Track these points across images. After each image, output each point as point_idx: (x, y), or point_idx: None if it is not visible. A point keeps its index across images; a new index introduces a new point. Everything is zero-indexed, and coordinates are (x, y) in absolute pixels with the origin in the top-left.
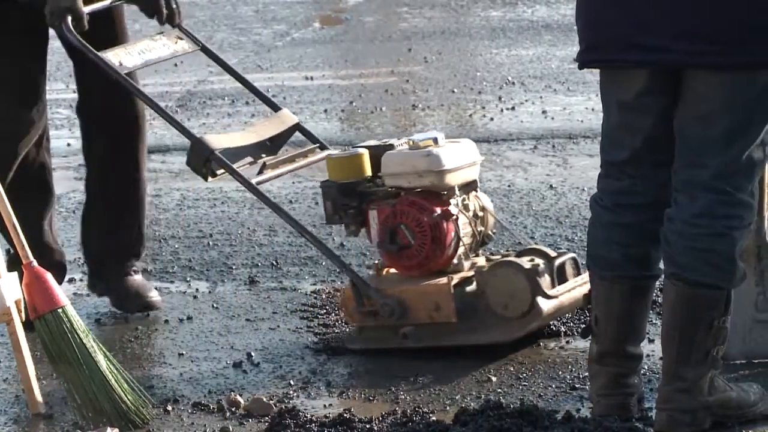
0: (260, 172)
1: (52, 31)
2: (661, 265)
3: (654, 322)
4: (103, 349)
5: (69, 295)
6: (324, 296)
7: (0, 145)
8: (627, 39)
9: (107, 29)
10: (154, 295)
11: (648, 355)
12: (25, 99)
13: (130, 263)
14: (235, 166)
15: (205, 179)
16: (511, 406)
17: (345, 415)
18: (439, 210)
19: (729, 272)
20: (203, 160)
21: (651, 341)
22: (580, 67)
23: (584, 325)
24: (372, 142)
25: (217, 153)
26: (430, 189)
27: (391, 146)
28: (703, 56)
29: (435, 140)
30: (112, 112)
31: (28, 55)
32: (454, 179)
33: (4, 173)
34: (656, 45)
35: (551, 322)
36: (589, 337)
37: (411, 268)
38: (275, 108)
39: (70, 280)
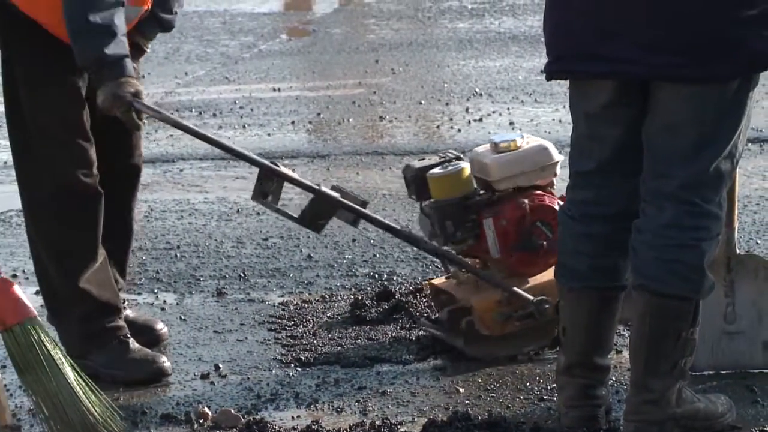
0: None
1: None
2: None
3: (622, 333)
4: (71, 360)
5: (36, 307)
6: (292, 308)
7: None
8: (592, 50)
9: None
10: (161, 327)
11: (616, 367)
12: (89, 139)
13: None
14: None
15: (319, 231)
16: (479, 418)
17: (313, 426)
18: (560, 200)
19: (697, 283)
20: (336, 207)
21: (619, 352)
22: (548, 78)
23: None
24: (423, 162)
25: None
26: (542, 184)
27: (459, 158)
28: (667, 69)
29: (522, 137)
30: (116, 164)
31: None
32: None
33: (95, 223)
34: (621, 56)
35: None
36: (557, 349)
37: (546, 264)
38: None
39: (37, 292)
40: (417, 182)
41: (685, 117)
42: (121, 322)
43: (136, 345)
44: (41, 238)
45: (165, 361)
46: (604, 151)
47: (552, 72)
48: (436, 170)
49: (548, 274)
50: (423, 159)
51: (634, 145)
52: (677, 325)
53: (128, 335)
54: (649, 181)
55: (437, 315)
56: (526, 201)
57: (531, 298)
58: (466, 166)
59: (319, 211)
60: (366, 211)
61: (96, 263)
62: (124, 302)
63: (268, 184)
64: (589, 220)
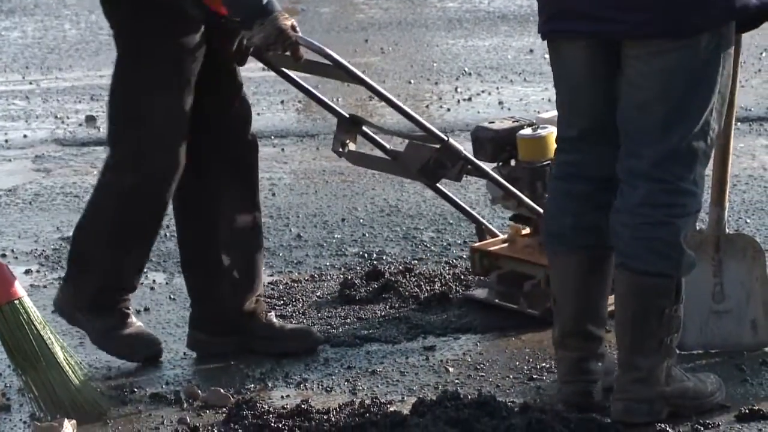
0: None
1: None
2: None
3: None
4: (60, 340)
5: (26, 286)
6: (281, 287)
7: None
8: (576, 10)
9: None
10: (315, 332)
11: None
12: (185, 130)
13: (266, 309)
14: None
15: (437, 181)
16: (469, 397)
17: (302, 406)
18: None
19: (674, 260)
20: (460, 159)
21: (608, 331)
22: (543, 38)
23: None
24: (498, 125)
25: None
26: None
27: (532, 123)
28: (644, 26)
29: None
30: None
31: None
32: None
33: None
34: (601, 16)
35: (509, 315)
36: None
37: None
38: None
39: (27, 272)
40: (496, 143)
41: (655, 91)
42: (129, 296)
43: (134, 320)
44: (103, 221)
45: (157, 342)
46: (584, 121)
47: (543, 33)
48: (526, 132)
49: None
50: (493, 122)
51: (614, 116)
52: (659, 302)
53: (129, 308)
54: (623, 159)
55: (478, 280)
56: None
57: None
58: (554, 131)
59: (444, 163)
60: (483, 166)
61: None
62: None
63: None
64: (573, 179)
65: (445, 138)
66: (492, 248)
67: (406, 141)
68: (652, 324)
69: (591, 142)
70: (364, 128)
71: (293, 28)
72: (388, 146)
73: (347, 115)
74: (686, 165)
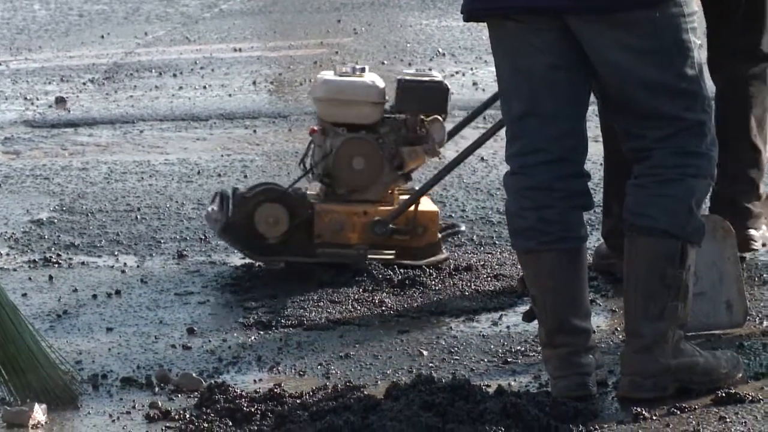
0: None
1: None
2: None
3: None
4: (31, 325)
5: None
6: (253, 270)
7: None
8: None
9: None
10: None
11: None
12: None
13: None
14: None
15: None
16: (443, 381)
17: (275, 390)
18: None
19: (681, 219)
20: None
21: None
22: (466, 19)
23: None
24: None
25: None
26: None
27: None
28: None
29: None
30: None
31: None
32: None
33: None
34: None
35: (485, 298)
36: (534, 321)
37: None
38: None
39: None
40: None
41: (631, 76)
42: None
43: None
44: None
45: None
46: (533, 85)
47: (473, 11)
48: None
49: None
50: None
51: (557, 82)
52: (661, 264)
53: None
54: (630, 142)
55: None
56: None
57: None
58: None
59: None
60: None
61: None
62: None
63: None
64: (528, 170)
65: None
66: None
67: None
68: (653, 287)
69: (538, 116)
70: None
71: None
72: None
73: None
74: (696, 135)
